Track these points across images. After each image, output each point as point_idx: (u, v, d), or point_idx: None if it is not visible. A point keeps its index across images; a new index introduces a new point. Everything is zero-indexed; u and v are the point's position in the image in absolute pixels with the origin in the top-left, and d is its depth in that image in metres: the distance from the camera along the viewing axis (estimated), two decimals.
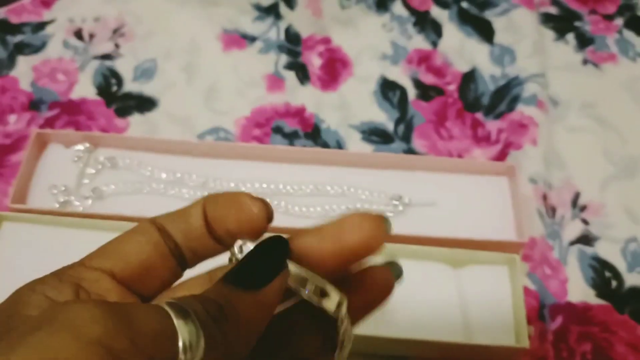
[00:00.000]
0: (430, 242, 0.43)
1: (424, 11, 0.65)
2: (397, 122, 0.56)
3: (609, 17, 0.66)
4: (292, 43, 0.62)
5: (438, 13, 0.65)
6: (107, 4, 0.64)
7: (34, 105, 0.56)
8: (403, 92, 0.58)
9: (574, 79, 0.60)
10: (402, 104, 0.57)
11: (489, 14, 0.65)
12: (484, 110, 0.57)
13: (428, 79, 0.59)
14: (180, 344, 0.16)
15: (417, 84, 0.58)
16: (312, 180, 0.48)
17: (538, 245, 0.48)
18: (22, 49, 0.60)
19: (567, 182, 0.52)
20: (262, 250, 0.20)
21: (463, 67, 0.60)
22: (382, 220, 0.22)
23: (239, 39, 0.62)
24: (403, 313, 0.41)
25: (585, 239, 0.49)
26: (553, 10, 0.66)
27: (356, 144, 0.54)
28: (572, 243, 0.49)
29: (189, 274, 0.23)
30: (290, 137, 0.54)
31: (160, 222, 0.22)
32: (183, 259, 0.22)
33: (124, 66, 0.59)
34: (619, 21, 0.65)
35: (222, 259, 0.23)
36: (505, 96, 0.57)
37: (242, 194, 0.22)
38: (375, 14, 0.65)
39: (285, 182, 0.47)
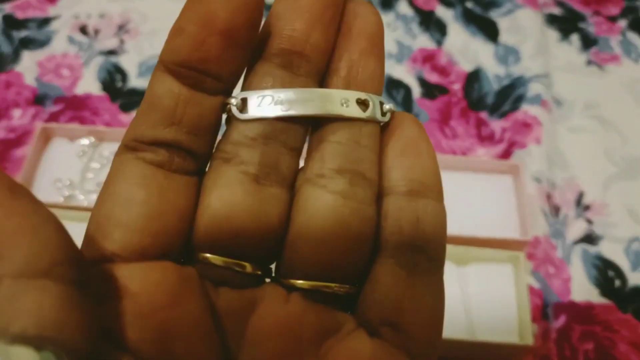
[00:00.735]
0: None
1: (428, 10, 0.65)
2: None
3: (612, 19, 0.66)
4: None
5: (443, 12, 0.65)
6: (112, 1, 0.64)
7: (38, 100, 0.56)
8: (407, 90, 0.58)
9: (577, 80, 0.60)
10: (406, 102, 0.57)
11: (493, 14, 0.65)
12: (488, 109, 0.57)
13: (433, 77, 0.59)
14: None
15: (422, 82, 0.59)
16: None
17: (542, 244, 0.48)
18: (27, 44, 0.60)
19: (571, 181, 0.52)
20: None
21: (467, 67, 0.60)
22: None
23: None
24: None
25: (589, 238, 0.49)
26: (557, 11, 0.66)
27: None
28: (576, 242, 0.49)
29: None
30: None
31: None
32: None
33: (129, 62, 0.59)
34: (622, 23, 0.66)
35: None
36: (510, 96, 0.57)
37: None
38: (380, 13, 0.65)
39: None
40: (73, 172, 0.47)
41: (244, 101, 0.16)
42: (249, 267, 0.17)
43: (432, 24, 0.64)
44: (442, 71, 0.59)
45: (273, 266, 0.18)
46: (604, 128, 0.56)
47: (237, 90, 0.17)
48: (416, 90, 0.58)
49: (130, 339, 0.15)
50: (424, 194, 0.17)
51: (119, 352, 0.15)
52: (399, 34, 0.63)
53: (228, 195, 0.16)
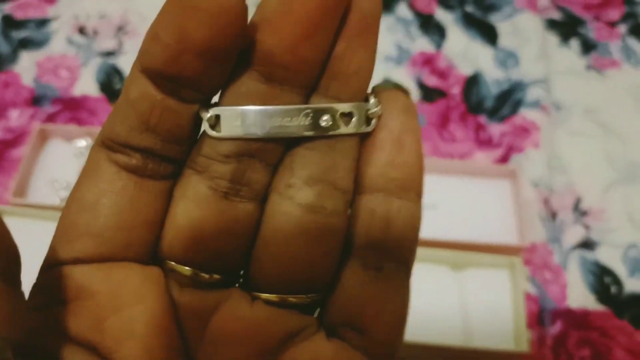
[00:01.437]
0: (431, 245, 0.43)
1: (428, 14, 0.65)
2: None
3: (612, 24, 0.66)
4: None
5: (442, 16, 0.65)
6: (112, 2, 0.64)
7: (36, 100, 0.56)
8: None
9: (577, 84, 0.60)
10: None
11: (493, 18, 0.65)
12: (487, 113, 0.57)
13: (432, 81, 0.59)
14: None
15: (421, 86, 0.58)
16: None
17: (539, 250, 0.48)
18: (26, 44, 0.60)
19: (569, 186, 0.52)
20: None
21: (467, 70, 0.60)
22: None
23: None
24: None
25: (586, 244, 0.49)
26: (557, 15, 0.66)
27: None
28: (573, 248, 0.49)
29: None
30: None
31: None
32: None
33: (127, 63, 0.59)
34: (622, 28, 0.66)
35: None
36: (509, 100, 0.57)
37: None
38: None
39: None
40: (69, 173, 0.47)
41: (218, 117, 0.15)
42: (215, 277, 0.16)
43: (431, 27, 0.64)
44: (441, 75, 0.59)
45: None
46: (603, 133, 0.56)
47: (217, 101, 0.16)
48: (415, 94, 0.58)
49: (89, 338, 0.15)
50: (399, 194, 0.16)
51: (75, 346, 0.15)
52: (399, 37, 0.63)
53: (194, 211, 0.16)
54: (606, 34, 0.65)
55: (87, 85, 0.57)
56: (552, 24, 0.65)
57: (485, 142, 0.54)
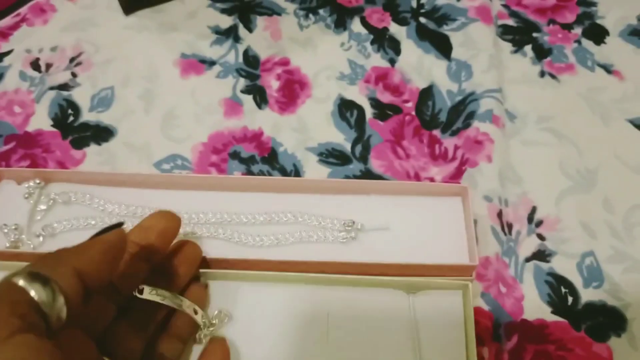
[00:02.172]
0: (380, 268, 0.43)
1: (382, 28, 0.65)
2: (355, 143, 0.56)
3: (567, 27, 0.66)
4: (251, 66, 0.62)
5: (396, 29, 0.65)
6: (64, 33, 0.64)
7: None
8: (361, 111, 0.58)
9: (531, 92, 0.60)
10: (359, 124, 0.57)
11: (446, 29, 0.65)
12: (441, 127, 0.57)
13: (385, 97, 0.59)
14: (35, 296, 0.25)
15: (374, 103, 0.59)
16: (266, 208, 0.48)
17: (492, 264, 0.48)
18: None
19: (524, 197, 0.52)
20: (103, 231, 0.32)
21: (421, 84, 0.60)
22: (173, 215, 0.39)
23: (197, 64, 0.62)
24: (354, 341, 0.41)
25: (541, 255, 0.49)
26: (512, 22, 0.66)
27: (313, 167, 0.54)
28: (528, 259, 0.49)
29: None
30: (247, 162, 0.54)
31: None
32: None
33: (81, 95, 0.59)
34: (577, 30, 0.66)
35: None
36: (462, 112, 0.57)
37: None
38: (333, 33, 0.65)
39: (239, 211, 0.47)
40: (21, 216, 0.47)
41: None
42: None
43: (385, 42, 0.64)
44: (395, 90, 0.59)
45: None
46: (557, 140, 0.56)
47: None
48: (369, 111, 0.58)
49: None
50: None
51: None
52: (352, 52, 0.63)
53: None
54: (561, 37, 0.65)
55: (40, 121, 0.57)
56: (506, 31, 0.65)
57: (440, 157, 0.55)
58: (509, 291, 0.47)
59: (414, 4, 0.67)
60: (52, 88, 0.59)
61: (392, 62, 0.62)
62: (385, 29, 0.65)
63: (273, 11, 0.67)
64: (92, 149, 0.55)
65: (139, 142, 0.56)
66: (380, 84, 0.60)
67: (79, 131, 0.56)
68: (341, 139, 0.56)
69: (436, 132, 0.56)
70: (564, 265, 0.49)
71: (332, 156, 0.55)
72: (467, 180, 0.53)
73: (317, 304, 0.43)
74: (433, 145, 0.55)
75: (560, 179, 0.53)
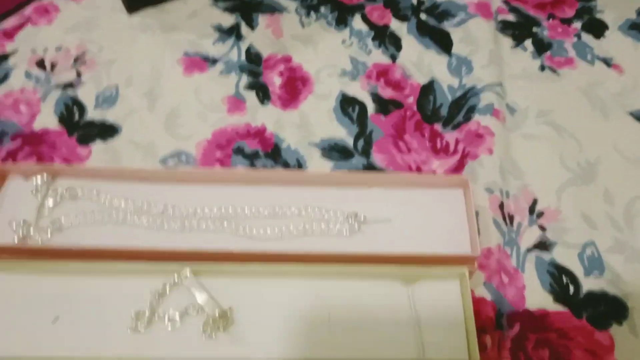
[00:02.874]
0: (382, 259, 0.43)
1: (383, 25, 0.66)
2: (357, 138, 0.56)
3: (567, 21, 0.67)
4: (253, 63, 0.62)
5: (397, 26, 0.66)
6: (69, 33, 0.65)
7: None
8: (362, 107, 0.59)
9: (531, 86, 0.60)
10: (361, 119, 0.58)
11: (447, 25, 0.65)
12: (442, 121, 0.57)
13: (387, 92, 0.60)
14: None
15: (376, 98, 0.59)
16: (270, 202, 0.48)
17: (494, 255, 0.49)
18: None
19: (525, 189, 0.53)
20: None
21: (422, 79, 0.61)
22: None
23: (200, 62, 0.62)
24: (355, 333, 0.42)
25: (543, 245, 0.50)
26: (511, 17, 0.67)
27: (316, 162, 0.55)
28: (529, 250, 0.50)
29: None
30: (251, 158, 0.55)
31: None
32: None
33: (86, 94, 0.60)
34: (577, 24, 0.66)
35: None
36: (463, 107, 0.58)
37: None
38: (334, 30, 0.65)
39: (243, 204, 0.48)
40: (29, 211, 0.47)
41: None
42: None
43: (386, 38, 0.64)
44: (396, 85, 0.60)
45: None
46: (557, 134, 0.57)
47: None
48: (370, 107, 0.58)
49: None
50: None
51: None
52: (354, 49, 0.63)
53: None
54: (561, 31, 0.66)
55: (46, 119, 0.58)
56: (506, 26, 0.66)
57: (442, 150, 0.55)
58: (511, 281, 0.48)
59: (414, 1, 0.68)
60: (57, 87, 0.60)
61: (393, 58, 0.63)
62: (386, 25, 0.66)
63: (274, 9, 0.67)
64: (97, 146, 0.56)
65: (143, 140, 0.56)
66: (382, 80, 0.61)
67: (85, 129, 0.57)
68: (343, 134, 0.57)
69: (437, 126, 0.57)
70: (565, 255, 0.49)
71: (334, 151, 0.55)
72: (468, 173, 0.53)
73: (318, 297, 0.43)
74: (434, 139, 0.56)
75: (560, 172, 0.54)
